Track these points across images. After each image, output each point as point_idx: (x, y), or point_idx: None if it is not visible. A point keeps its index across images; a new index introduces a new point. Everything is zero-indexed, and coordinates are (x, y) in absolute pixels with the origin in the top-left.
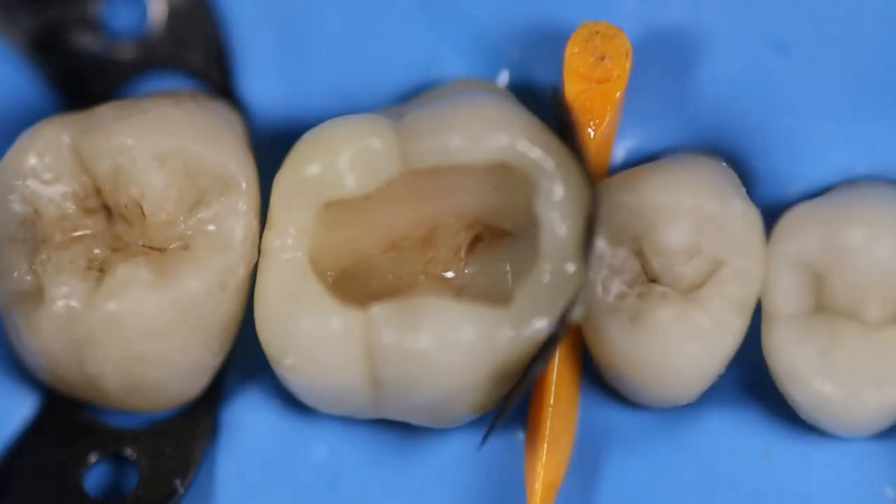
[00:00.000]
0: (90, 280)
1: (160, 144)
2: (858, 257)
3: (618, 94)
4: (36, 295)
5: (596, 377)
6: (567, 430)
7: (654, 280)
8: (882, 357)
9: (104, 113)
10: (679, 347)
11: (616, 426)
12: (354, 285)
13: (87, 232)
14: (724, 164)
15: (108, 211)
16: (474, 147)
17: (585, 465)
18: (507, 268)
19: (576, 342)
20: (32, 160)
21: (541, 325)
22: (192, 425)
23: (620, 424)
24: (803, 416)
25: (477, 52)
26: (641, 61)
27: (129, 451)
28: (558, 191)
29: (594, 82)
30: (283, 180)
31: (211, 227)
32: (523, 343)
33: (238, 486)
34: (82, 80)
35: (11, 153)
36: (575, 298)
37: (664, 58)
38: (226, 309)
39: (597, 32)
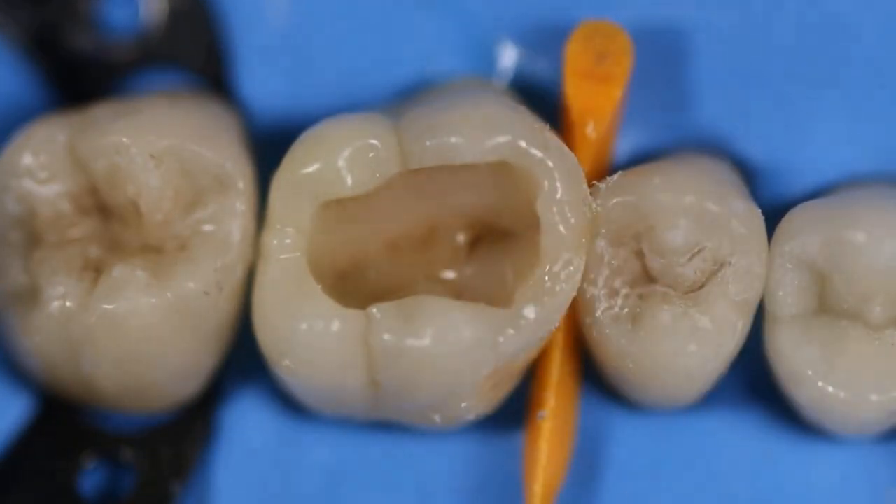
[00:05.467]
0: (86, 280)
1: (157, 143)
2: (861, 258)
3: (618, 93)
4: (31, 295)
5: (596, 378)
6: (567, 432)
7: (654, 280)
8: (885, 359)
9: (100, 112)
10: (680, 348)
11: (617, 428)
12: (353, 286)
13: (83, 232)
14: (726, 163)
15: (104, 211)
16: (474, 147)
17: (585, 467)
18: (507, 268)
19: (576, 343)
20: (27, 159)
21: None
22: (189, 428)
23: (621, 426)
24: (806, 418)
25: (476, 51)
26: (642, 60)
27: (125, 455)
28: (559, 189)
29: (595, 81)
30: (282, 180)
31: (208, 227)
32: (523, 343)
33: (236, 488)
34: (80, 77)
35: (6, 152)
36: None
37: (665, 56)
38: (223, 310)
39: (597, 31)
